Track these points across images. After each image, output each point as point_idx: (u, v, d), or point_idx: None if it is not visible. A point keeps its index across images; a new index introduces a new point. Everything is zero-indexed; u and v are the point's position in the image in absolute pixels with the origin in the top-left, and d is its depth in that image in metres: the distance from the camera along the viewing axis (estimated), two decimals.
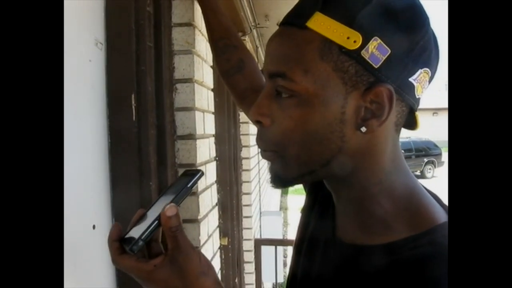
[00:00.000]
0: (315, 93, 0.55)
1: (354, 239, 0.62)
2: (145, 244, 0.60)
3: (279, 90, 0.57)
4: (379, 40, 0.52)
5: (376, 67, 0.53)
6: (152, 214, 0.61)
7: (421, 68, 0.55)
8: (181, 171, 1.30)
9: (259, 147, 0.63)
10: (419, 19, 0.56)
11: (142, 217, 0.63)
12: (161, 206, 0.60)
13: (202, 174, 0.66)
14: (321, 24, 0.54)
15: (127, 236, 0.61)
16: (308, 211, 0.78)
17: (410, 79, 0.55)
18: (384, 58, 0.53)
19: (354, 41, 0.52)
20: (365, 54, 0.53)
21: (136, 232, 0.60)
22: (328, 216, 0.69)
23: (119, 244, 0.60)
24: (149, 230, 0.59)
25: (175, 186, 0.65)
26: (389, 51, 0.53)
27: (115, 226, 0.62)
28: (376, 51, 0.52)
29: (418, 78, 0.55)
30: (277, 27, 0.61)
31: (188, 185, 0.64)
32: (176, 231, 0.58)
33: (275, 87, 0.58)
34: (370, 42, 0.52)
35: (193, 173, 0.66)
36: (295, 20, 0.57)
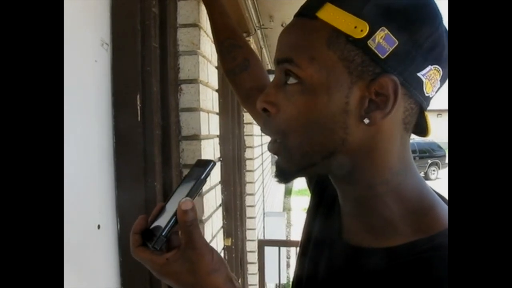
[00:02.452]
0: (319, 81, 0.55)
1: (360, 241, 0.61)
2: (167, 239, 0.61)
3: (286, 74, 0.58)
4: (386, 31, 0.52)
5: (382, 57, 0.53)
6: (170, 208, 0.62)
7: (431, 65, 0.55)
8: (185, 171, 1.30)
9: (266, 134, 0.63)
10: (430, 13, 0.55)
11: (161, 210, 0.64)
12: (178, 200, 0.60)
13: (215, 164, 0.66)
14: (331, 14, 0.54)
15: (149, 229, 0.62)
16: (313, 212, 0.78)
17: (419, 74, 0.54)
18: (391, 49, 0.52)
19: (361, 30, 0.52)
20: (371, 44, 0.52)
21: (157, 226, 0.62)
22: (333, 216, 0.69)
23: (140, 236, 0.62)
24: (169, 226, 0.60)
25: (189, 177, 0.66)
26: (397, 42, 0.52)
27: (140, 219, 0.63)
28: (383, 41, 0.52)
29: (427, 74, 0.55)
30: (281, 28, 0.62)
31: (202, 177, 0.64)
32: (191, 226, 0.59)
33: (283, 72, 0.58)
34: (377, 32, 0.52)
35: (206, 163, 0.66)
36: (306, 11, 0.58)
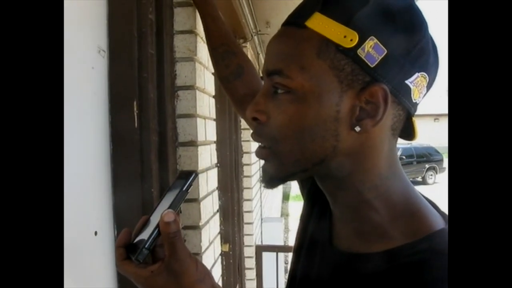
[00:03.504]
0: (310, 90, 0.56)
1: (350, 246, 0.62)
2: (150, 251, 0.61)
3: (275, 86, 0.58)
4: (375, 40, 0.53)
5: (372, 66, 0.53)
6: (154, 221, 0.62)
7: (418, 72, 0.56)
8: None
9: (255, 141, 0.63)
10: (417, 22, 0.56)
11: (145, 224, 0.64)
12: (161, 212, 0.60)
13: (197, 175, 0.66)
14: (320, 23, 0.55)
15: (133, 243, 0.62)
16: (306, 218, 0.78)
17: (407, 82, 0.55)
18: (380, 58, 0.53)
19: (351, 40, 0.53)
20: (361, 53, 0.53)
21: (140, 239, 0.61)
22: (325, 222, 0.69)
23: (124, 250, 0.62)
24: (151, 238, 0.60)
25: (172, 189, 0.66)
26: (385, 51, 0.53)
27: (124, 233, 0.63)
28: (372, 50, 0.53)
29: (415, 81, 0.56)
30: None
31: (184, 189, 0.64)
32: (174, 237, 0.59)
33: (272, 85, 0.59)
34: (367, 41, 0.53)
35: (188, 174, 0.66)
36: (295, 20, 0.58)
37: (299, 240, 0.76)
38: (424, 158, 15.92)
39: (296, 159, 0.59)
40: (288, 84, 0.56)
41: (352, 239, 0.62)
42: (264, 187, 0.65)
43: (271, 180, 0.63)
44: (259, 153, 0.63)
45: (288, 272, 0.78)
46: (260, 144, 0.63)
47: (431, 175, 16.00)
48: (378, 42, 0.53)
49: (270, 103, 0.59)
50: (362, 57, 0.53)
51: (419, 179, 15.46)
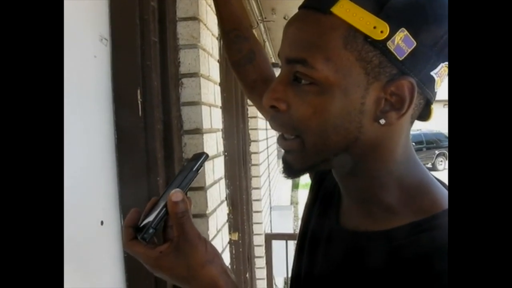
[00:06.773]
0: (336, 82, 0.54)
1: (358, 226, 0.61)
2: (159, 230, 0.60)
3: (298, 76, 0.56)
4: (406, 32, 0.51)
5: (400, 59, 0.52)
6: (162, 202, 0.62)
7: (443, 62, 0.54)
8: None
9: (274, 129, 0.62)
10: (445, 12, 0.54)
11: (155, 205, 0.63)
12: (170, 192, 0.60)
13: (207, 156, 0.66)
14: (347, 10, 0.52)
15: (140, 224, 0.61)
16: (310, 206, 0.78)
17: (432, 73, 0.54)
18: (409, 50, 0.52)
19: (381, 31, 0.51)
20: (390, 45, 0.51)
21: (148, 219, 0.61)
22: (332, 205, 0.69)
23: (132, 230, 0.61)
24: (158, 217, 0.59)
25: (183, 171, 0.66)
26: (415, 43, 0.51)
27: (133, 212, 0.63)
28: (402, 43, 0.51)
29: (439, 72, 0.54)
30: (284, 21, 0.60)
31: (194, 169, 0.64)
32: (182, 217, 0.58)
33: (293, 73, 0.56)
34: (397, 33, 0.51)
35: (199, 156, 0.66)
36: (318, 5, 0.55)
37: (304, 227, 0.76)
38: (434, 144, 15.84)
39: (319, 150, 0.58)
40: (312, 75, 0.54)
41: (361, 219, 0.62)
42: (285, 177, 0.64)
43: (291, 170, 0.62)
44: (283, 144, 0.61)
45: (293, 257, 0.78)
46: (280, 134, 0.61)
47: (441, 161, 15.92)
48: (408, 34, 0.51)
49: (289, 91, 0.57)
50: (391, 50, 0.51)
51: (429, 165, 15.38)
